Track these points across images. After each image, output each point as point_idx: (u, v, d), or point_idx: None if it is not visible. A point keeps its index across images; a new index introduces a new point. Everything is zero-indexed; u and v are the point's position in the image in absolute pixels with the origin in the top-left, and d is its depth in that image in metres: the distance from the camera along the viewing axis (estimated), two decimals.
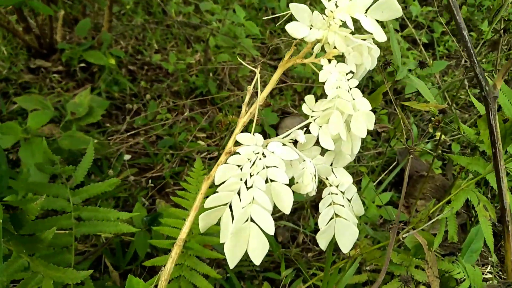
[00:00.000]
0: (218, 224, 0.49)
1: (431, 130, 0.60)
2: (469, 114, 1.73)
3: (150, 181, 1.33)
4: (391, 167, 1.38)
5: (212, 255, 0.67)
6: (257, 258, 0.45)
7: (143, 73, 1.85)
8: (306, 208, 1.35)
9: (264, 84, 0.54)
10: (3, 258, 0.46)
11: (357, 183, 1.41)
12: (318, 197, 1.62)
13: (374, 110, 1.60)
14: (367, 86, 1.84)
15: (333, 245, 0.68)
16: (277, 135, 1.67)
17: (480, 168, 0.59)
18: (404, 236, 0.60)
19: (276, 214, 1.36)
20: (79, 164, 0.68)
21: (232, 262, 0.45)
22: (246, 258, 0.99)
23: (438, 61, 1.82)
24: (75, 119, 1.12)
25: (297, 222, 1.35)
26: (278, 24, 2.45)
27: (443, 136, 1.24)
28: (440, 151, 1.47)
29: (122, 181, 1.25)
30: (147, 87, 1.73)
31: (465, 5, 2.36)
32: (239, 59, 0.62)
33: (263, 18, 1.34)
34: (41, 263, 0.54)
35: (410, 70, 0.83)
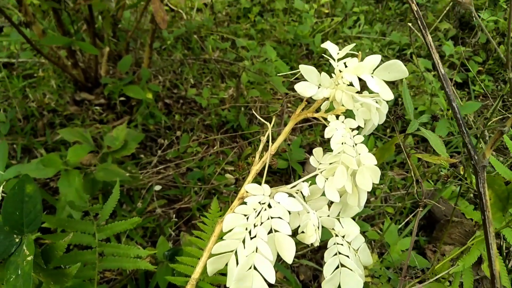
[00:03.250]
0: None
1: (440, 186, 0.61)
2: (504, 157, 1.67)
3: (177, 213, 1.38)
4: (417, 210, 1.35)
5: None
6: None
7: (178, 106, 1.95)
8: None
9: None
10: None
11: (383, 223, 1.39)
12: None
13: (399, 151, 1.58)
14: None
15: None
16: (303, 170, 1.69)
17: (496, 222, 0.58)
18: None
19: (299, 252, 1.36)
20: (105, 203, 0.73)
21: None
22: None
23: (471, 101, 1.79)
24: (111, 151, 1.20)
25: (320, 261, 1.34)
26: (311, 60, 2.50)
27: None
28: (472, 194, 1.43)
29: (151, 212, 1.31)
30: (181, 120, 1.82)
31: (502, 45, 2.32)
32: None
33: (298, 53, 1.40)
34: None
35: (433, 118, 0.84)
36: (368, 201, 1.55)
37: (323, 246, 1.49)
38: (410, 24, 0.94)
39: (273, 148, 0.59)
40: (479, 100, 2.09)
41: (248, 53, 2.27)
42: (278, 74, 1.66)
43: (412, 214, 1.42)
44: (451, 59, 2.16)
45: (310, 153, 1.81)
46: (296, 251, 1.48)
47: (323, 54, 2.67)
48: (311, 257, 1.35)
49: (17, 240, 0.55)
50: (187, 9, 2.78)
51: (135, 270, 0.98)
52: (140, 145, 1.58)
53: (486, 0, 2.42)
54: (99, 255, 0.67)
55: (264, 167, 0.61)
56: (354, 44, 0.57)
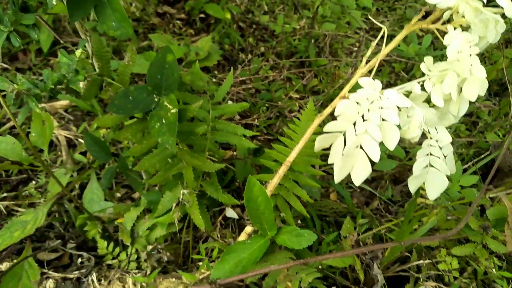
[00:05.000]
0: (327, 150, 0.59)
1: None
2: None
3: (244, 127, 1.48)
4: (481, 157, 1.37)
5: (313, 172, 0.77)
6: (358, 180, 0.55)
7: (251, 31, 1.98)
8: (385, 179, 1.41)
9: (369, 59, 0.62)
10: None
11: None
12: (398, 171, 1.66)
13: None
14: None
15: (419, 193, 0.75)
16: None
17: None
18: (491, 196, 0.65)
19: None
20: (220, 87, 0.82)
21: (338, 178, 0.55)
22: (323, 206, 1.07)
23: None
24: (196, 59, 1.28)
25: (374, 188, 1.41)
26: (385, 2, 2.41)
27: None
28: None
29: None
30: (253, 44, 1.86)
31: None
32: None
33: None
34: (187, 152, 0.70)
35: None
36: None
37: (377, 177, 1.54)
38: None
39: (383, 53, 0.63)
40: None
41: None
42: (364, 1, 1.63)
43: (474, 161, 1.44)
44: None
45: None
46: (349, 177, 1.55)
47: None
48: (366, 185, 1.41)
49: (156, 99, 0.65)
50: None
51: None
52: (215, 62, 1.65)
53: None
54: (212, 129, 0.77)
55: (371, 71, 0.66)
56: None
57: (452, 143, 1.50)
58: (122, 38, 0.52)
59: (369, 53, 0.65)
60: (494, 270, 0.79)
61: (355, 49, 1.95)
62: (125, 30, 0.52)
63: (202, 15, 1.83)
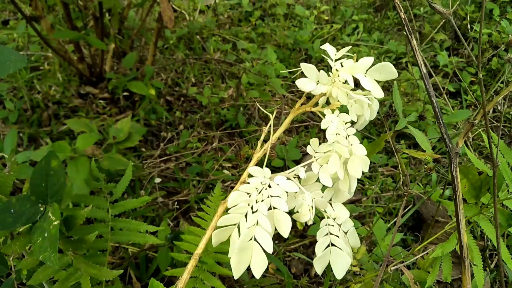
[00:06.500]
0: (228, 243, 0.57)
1: (428, 189, 0.67)
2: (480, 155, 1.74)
3: (176, 203, 1.44)
4: (406, 210, 1.42)
5: (222, 271, 0.75)
6: (257, 272, 0.53)
7: (179, 104, 2.01)
8: None
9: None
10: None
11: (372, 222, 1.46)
12: None
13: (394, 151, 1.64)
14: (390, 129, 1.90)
15: (330, 274, 0.74)
16: None
17: (467, 211, 0.64)
18: (393, 268, 0.66)
19: (292, 246, 1.42)
20: (118, 182, 0.79)
21: (236, 274, 0.53)
22: (257, 283, 1.06)
23: (462, 110, 1.86)
24: (115, 142, 1.25)
25: (311, 256, 1.40)
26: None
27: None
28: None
29: (151, 202, 1.36)
30: (181, 117, 1.88)
31: (495, 57, 2.41)
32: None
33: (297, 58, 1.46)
34: (82, 261, 0.65)
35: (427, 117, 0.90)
36: (359, 201, 1.62)
37: (314, 242, 1.55)
38: (405, 33, 1.01)
39: (274, 137, 0.65)
40: (470, 109, 2.16)
41: (248, 55, 2.33)
42: (281, 72, 1.73)
43: (401, 215, 1.48)
44: (445, 69, 2.24)
45: (305, 154, 1.87)
46: (288, 245, 1.54)
47: (321, 59, 2.72)
48: (303, 252, 1.40)
49: (41, 209, 0.60)
50: (190, 10, 2.84)
51: (136, 254, 1.04)
52: (142, 139, 1.63)
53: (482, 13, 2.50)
54: (112, 229, 0.73)
55: (265, 156, 0.67)
56: (350, 46, 0.63)
57: (379, 199, 1.53)
58: None
59: (262, 137, 0.66)
60: None
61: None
62: None
63: (126, 93, 1.83)
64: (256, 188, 0.55)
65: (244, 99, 2.03)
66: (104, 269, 0.65)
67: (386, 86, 2.18)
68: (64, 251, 0.64)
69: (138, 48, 2.26)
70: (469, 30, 2.45)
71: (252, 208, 0.53)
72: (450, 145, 0.46)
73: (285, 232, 0.54)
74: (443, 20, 2.57)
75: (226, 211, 0.59)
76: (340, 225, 0.62)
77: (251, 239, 0.53)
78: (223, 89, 2.14)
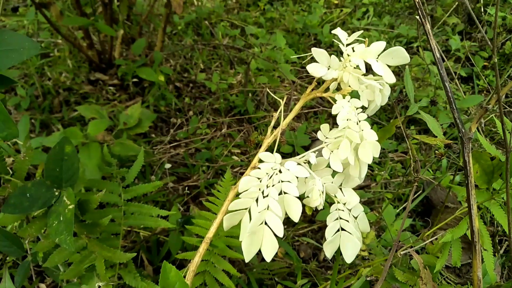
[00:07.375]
0: (239, 227, 0.58)
1: (438, 175, 0.67)
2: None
3: (186, 189, 1.45)
4: (415, 196, 1.42)
5: (233, 255, 0.76)
6: (268, 255, 0.54)
7: (188, 90, 2.01)
8: None
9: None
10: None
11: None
12: None
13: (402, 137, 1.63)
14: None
15: (339, 258, 0.75)
16: None
17: (479, 197, 0.64)
18: (402, 252, 0.66)
19: (300, 231, 1.43)
20: (131, 168, 0.80)
21: (247, 257, 0.54)
22: (266, 267, 1.08)
23: (474, 95, 1.84)
24: (126, 128, 1.27)
25: (319, 240, 1.41)
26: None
27: None
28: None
29: (162, 187, 1.38)
30: (190, 103, 1.88)
31: (509, 41, 2.36)
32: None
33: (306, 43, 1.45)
34: (97, 244, 0.66)
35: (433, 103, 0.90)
36: (368, 187, 1.62)
37: (322, 227, 1.56)
38: (418, 17, 0.99)
39: (284, 123, 0.65)
40: (483, 94, 2.13)
41: (257, 40, 2.32)
42: (290, 57, 1.72)
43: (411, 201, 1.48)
44: (457, 53, 2.20)
45: (314, 140, 1.87)
46: (297, 230, 1.55)
47: (331, 44, 2.69)
48: (311, 237, 1.41)
49: (56, 193, 0.62)
50: None
51: (147, 238, 1.05)
52: (151, 125, 1.64)
53: None
54: (124, 213, 0.74)
55: (274, 142, 0.67)
56: (362, 31, 0.62)
57: (389, 184, 1.53)
58: (8, 139, 0.50)
59: (272, 123, 0.66)
60: None
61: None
62: (11, 130, 0.50)
63: (135, 80, 1.83)
64: (267, 173, 0.55)
65: (253, 85, 2.03)
66: (118, 252, 0.67)
67: (397, 71, 2.15)
68: (79, 235, 0.66)
69: (147, 34, 2.26)
70: (482, 14, 2.39)
71: (263, 193, 0.54)
72: (463, 130, 0.45)
73: (296, 216, 0.54)
74: (456, 3, 2.51)
75: (237, 196, 0.60)
76: (350, 210, 0.63)
77: (262, 223, 0.54)
78: (231, 75, 2.14)
